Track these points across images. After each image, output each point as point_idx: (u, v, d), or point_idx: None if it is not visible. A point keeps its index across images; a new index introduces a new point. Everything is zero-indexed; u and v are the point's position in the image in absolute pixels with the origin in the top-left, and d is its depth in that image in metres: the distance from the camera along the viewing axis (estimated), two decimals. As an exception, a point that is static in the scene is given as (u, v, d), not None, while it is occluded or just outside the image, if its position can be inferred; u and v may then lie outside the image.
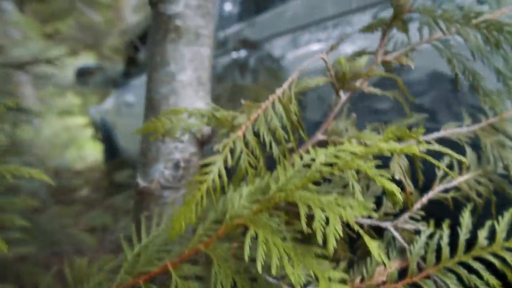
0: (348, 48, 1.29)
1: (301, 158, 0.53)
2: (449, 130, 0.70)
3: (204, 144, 0.80)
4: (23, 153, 5.50)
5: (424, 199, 0.69)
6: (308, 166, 0.51)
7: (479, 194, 0.70)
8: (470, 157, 0.70)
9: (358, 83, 0.67)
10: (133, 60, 4.37)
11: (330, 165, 0.48)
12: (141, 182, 0.80)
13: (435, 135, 0.70)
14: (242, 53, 2.05)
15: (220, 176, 0.59)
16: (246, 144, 0.61)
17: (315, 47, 1.56)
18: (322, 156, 0.47)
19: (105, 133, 5.30)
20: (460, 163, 0.71)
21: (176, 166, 0.78)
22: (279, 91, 0.63)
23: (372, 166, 0.45)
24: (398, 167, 0.66)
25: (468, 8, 0.67)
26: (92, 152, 7.29)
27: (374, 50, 0.69)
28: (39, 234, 1.34)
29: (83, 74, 4.88)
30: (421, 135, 0.68)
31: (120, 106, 4.42)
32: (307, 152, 0.56)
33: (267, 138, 0.61)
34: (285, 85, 0.63)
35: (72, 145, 7.38)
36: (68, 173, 5.86)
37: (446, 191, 0.70)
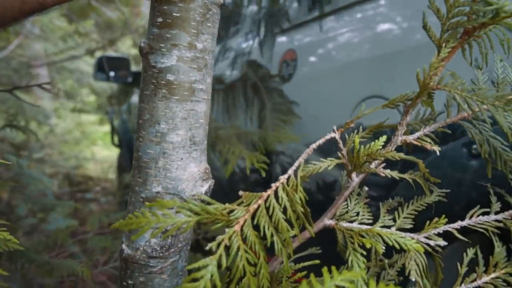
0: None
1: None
2: (474, 219, 0.61)
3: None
4: (36, 150, 5.51)
5: (443, 300, 0.59)
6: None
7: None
8: (498, 251, 0.61)
9: (373, 165, 0.58)
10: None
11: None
12: (125, 249, 0.72)
13: (459, 224, 0.61)
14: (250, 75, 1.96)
15: (213, 282, 0.50)
16: (244, 239, 0.53)
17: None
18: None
19: (123, 137, 4.84)
20: (486, 258, 0.61)
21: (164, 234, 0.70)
22: (283, 178, 0.54)
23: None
24: (415, 265, 0.57)
25: (502, 84, 0.57)
26: (103, 151, 7.29)
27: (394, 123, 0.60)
28: (30, 266, 1.27)
29: (103, 66, 4.09)
30: (442, 225, 0.59)
31: (144, 107, 4.17)
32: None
33: (268, 231, 0.53)
34: (291, 170, 0.54)
35: (84, 143, 7.39)
36: (78, 176, 5.83)
37: (468, 290, 0.61)
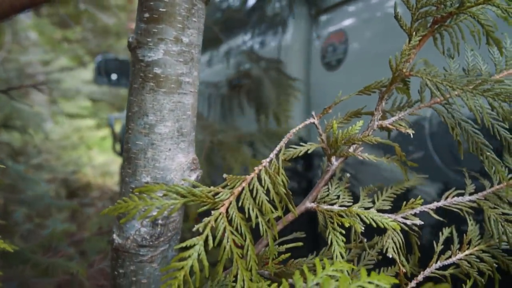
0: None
1: (305, 279, 0.46)
2: (450, 199, 0.64)
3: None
4: (33, 156, 5.51)
5: (420, 277, 0.62)
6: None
7: (480, 272, 0.63)
8: (471, 230, 0.64)
9: (352, 149, 0.60)
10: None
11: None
12: (116, 238, 0.74)
13: (434, 204, 0.63)
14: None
15: (200, 261, 0.53)
16: (230, 221, 0.55)
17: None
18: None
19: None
20: (460, 237, 0.64)
21: (154, 223, 0.73)
22: (265, 161, 0.57)
23: None
24: (392, 243, 0.60)
25: (472, 72, 0.60)
26: (99, 155, 7.29)
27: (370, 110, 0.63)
28: (26, 264, 1.29)
29: (104, 69, 3.76)
30: (419, 206, 0.62)
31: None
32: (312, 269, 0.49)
33: (253, 213, 0.56)
34: (272, 154, 0.57)
35: (81, 148, 7.40)
36: (76, 181, 5.83)
37: (444, 268, 0.63)
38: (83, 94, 7.18)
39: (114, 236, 0.75)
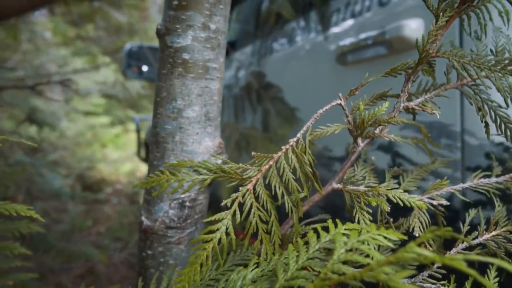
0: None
1: (318, 236, 0.47)
2: (476, 180, 0.64)
3: (211, 181, 0.76)
4: (49, 153, 5.59)
5: (447, 257, 0.63)
6: (324, 250, 0.45)
7: (508, 253, 0.64)
8: (498, 211, 0.64)
9: (378, 130, 0.61)
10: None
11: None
12: (145, 220, 0.76)
13: (461, 185, 0.64)
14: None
15: (228, 234, 0.55)
16: (257, 197, 0.57)
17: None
18: (341, 247, 0.40)
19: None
20: (487, 217, 0.65)
21: (181, 205, 0.74)
22: (292, 141, 0.58)
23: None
24: (418, 222, 0.60)
25: (501, 53, 0.61)
26: (113, 152, 7.37)
27: (396, 93, 0.64)
28: (50, 251, 1.32)
29: (135, 60, 3.06)
30: (445, 187, 0.62)
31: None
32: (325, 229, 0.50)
33: (279, 191, 0.57)
34: (299, 134, 0.58)
35: (96, 145, 7.48)
36: (91, 177, 5.89)
37: (470, 248, 0.64)
38: (97, 92, 7.26)
39: (143, 218, 0.77)
